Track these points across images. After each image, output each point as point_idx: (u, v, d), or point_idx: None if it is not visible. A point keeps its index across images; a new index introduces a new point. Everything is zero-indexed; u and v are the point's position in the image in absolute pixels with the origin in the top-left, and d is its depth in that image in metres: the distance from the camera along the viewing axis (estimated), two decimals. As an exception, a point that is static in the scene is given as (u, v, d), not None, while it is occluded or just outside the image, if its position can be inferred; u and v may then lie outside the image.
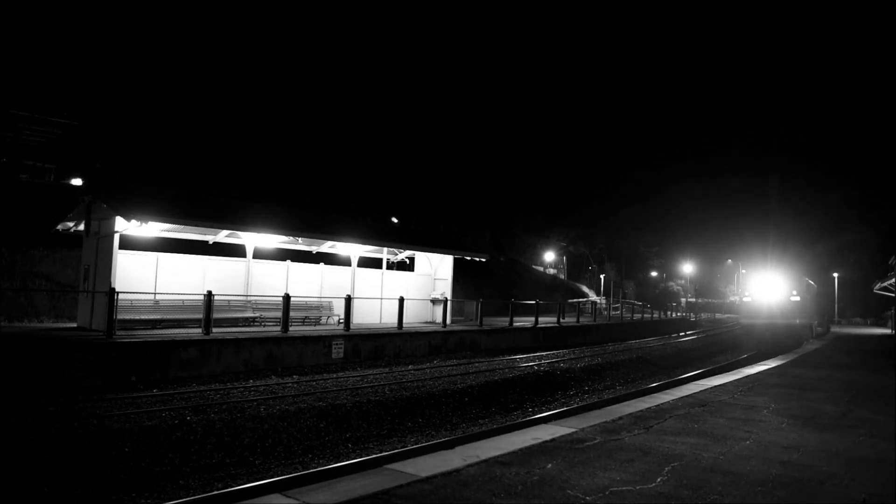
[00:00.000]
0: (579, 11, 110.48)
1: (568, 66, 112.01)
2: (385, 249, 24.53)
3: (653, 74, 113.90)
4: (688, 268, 79.78)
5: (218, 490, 7.55)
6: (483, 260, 30.09)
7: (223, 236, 20.37)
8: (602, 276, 70.06)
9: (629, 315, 43.53)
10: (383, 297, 23.31)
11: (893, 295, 34.84)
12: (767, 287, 30.97)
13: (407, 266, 27.74)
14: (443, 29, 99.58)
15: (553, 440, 6.03)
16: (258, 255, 20.71)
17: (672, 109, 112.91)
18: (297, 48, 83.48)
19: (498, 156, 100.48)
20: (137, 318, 16.59)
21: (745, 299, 32.78)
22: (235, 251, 21.06)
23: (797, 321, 29.54)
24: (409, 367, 17.99)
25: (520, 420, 11.98)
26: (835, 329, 44.30)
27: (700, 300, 74.26)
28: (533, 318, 29.02)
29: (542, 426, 7.06)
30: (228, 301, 18.62)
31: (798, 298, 29.46)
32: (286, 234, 20.63)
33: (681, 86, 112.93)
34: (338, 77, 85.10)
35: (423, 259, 26.72)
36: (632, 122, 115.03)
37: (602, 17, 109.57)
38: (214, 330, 15.92)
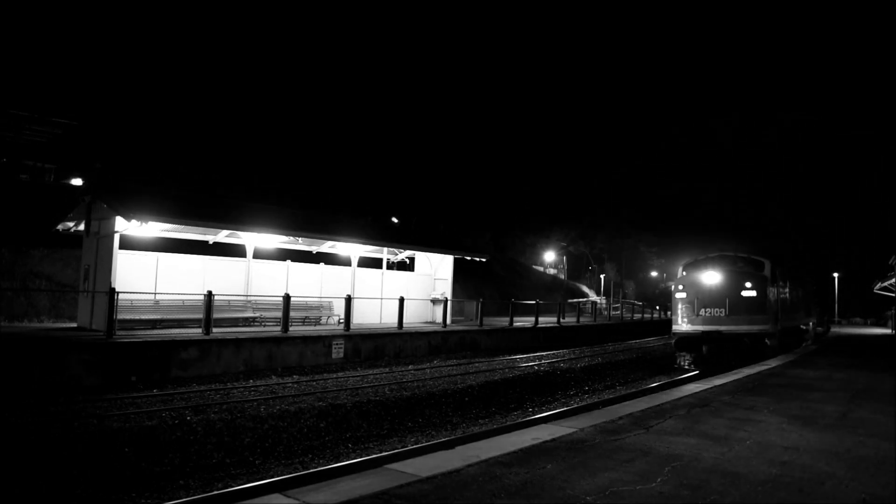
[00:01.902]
0: (580, 11, 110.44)
1: (568, 66, 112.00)
2: (385, 249, 24.55)
3: (652, 74, 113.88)
4: (688, 268, 79.57)
5: (218, 490, 7.55)
6: (483, 260, 30.10)
7: (223, 236, 20.37)
8: (602, 276, 70.06)
9: (629, 315, 43.56)
10: (383, 297, 23.32)
11: (893, 295, 34.81)
12: (709, 276, 17.37)
13: (407, 266, 27.75)
14: (443, 29, 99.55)
15: (553, 440, 6.03)
16: (258, 255, 20.71)
17: (672, 109, 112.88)
18: (298, 48, 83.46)
19: (498, 156, 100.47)
20: (137, 318, 16.60)
21: (678, 295, 18.00)
22: (235, 251, 21.07)
23: (755, 330, 16.78)
24: (410, 366, 17.99)
25: (520, 420, 11.97)
26: (835, 329, 44.31)
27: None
28: (533, 318, 29.03)
29: (543, 426, 7.06)
30: (228, 301, 18.63)
31: (754, 293, 16.75)
32: (286, 234, 20.65)
33: (681, 86, 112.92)
34: (338, 77, 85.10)
35: (423, 259, 26.72)
36: (632, 121, 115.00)
37: (603, 17, 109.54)
38: (214, 330, 15.92)
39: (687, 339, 17.45)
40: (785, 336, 19.34)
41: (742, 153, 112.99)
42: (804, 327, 25.00)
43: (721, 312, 16.84)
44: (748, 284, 16.76)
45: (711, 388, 10.31)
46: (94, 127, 42.90)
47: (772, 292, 17.27)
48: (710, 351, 17.00)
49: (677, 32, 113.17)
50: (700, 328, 17.11)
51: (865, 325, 59.96)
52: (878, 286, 37.24)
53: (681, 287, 17.94)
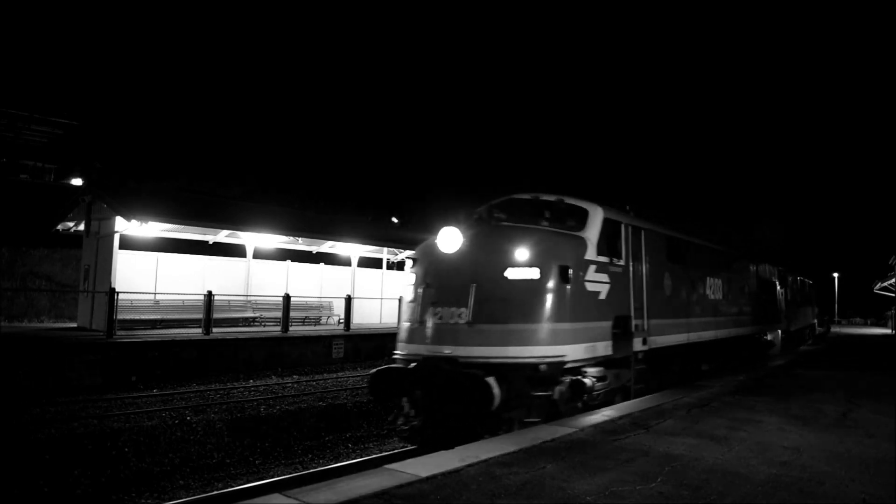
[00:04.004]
0: (579, 12, 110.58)
1: (567, 64, 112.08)
2: (385, 249, 24.55)
3: (651, 74, 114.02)
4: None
5: (218, 490, 7.55)
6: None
7: (223, 236, 20.38)
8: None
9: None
10: (383, 297, 23.32)
11: (893, 295, 34.85)
12: (447, 239, 7.82)
13: (407, 266, 27.73)
14: (441, 27, 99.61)
15: (553, 440, 6.03)
16: (258, 255, 20.72)
17: (671, 109, 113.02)
18: (297, 47, 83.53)
19: (497, 155, 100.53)
20: (137, 318, 16.61)
21: (408, 281, 8.33)
22: (235, 251, 21.07)
23: (531, 358, 7.29)
24: (409, 367, 17.99)
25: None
26: (835, 329, 44.33)
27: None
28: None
29: (543, 426, 7.05)
30: (228, 301, 18.64)
31: (535, 274, 7.47)
32: (286, 234, 20.65)
33: (679, 86, 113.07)
34: (337, 76, 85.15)
35: (423, 259, 26.70)
36: (630, 121, 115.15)
37: (603, 16, 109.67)
38: (214, 330, 15.93)
39: (390, 376, 7.88)
40: (692, 359, 11.62)
41: (742, 152, 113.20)
42: (769, 338, 17.73)
43: (459, 317, 7.61)
44: (521, 255, 7.67)
45: (711, 387, 10.26)
46: (94, 127, 42.92)
47: (598, 275, 8.35)
48: (426, 403, 7.50)
49: (677, 31, 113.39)
50: (422, 350, 7.78)
51: (865, 324, 60.01)
52: (878, 286, 37.29)
53: (411, 265, 8.69)
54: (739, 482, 4.74)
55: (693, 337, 11.47)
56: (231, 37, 75.07)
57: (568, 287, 7.72)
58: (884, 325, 50.98)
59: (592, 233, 8.48)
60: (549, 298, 7.59)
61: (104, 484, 7.72)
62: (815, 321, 30.74)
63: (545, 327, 7.49)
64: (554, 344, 7.47)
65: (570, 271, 7.77)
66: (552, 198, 9.16)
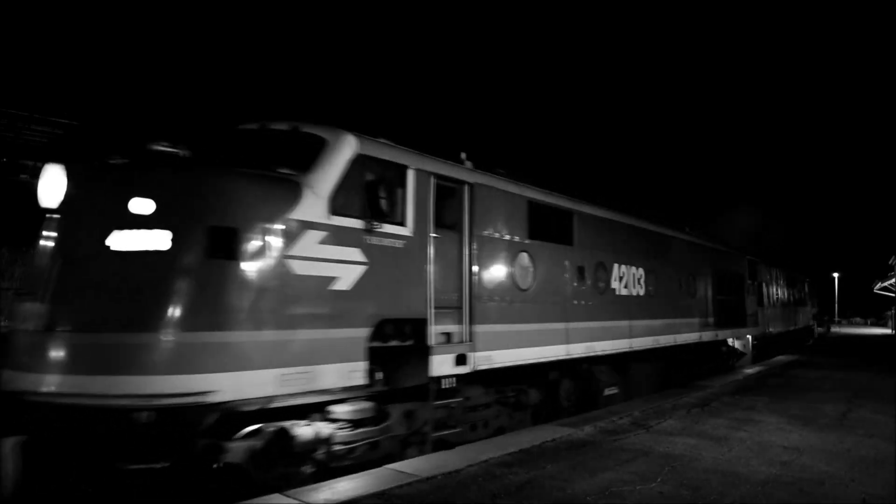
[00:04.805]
0: (578, 13, 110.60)
1: (565, 62, 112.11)
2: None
3: (651, 75, 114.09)
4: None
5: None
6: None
7: (223, 236, 20.35)
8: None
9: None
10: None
11: (893, 295, 34.85)
12: (51, 183, 4.60)
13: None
14: (438, 23, 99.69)
15: (553, 441, 6.04)
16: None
17: (672, 109, 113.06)
18: (295, 45, 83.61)
19: (497, 154, 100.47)
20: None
21: None
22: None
23: (116, 398, 4.21)
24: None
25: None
26: (835, 329, 44.36)
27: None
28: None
29: (543, 427, 7.06)
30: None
31: (180, 255, 4.39)
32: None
33: (678, 85, 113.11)
34: (336, 71, 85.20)
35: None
36: (628, 121, 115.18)
37: (604, 16, 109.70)
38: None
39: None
40: (583, 381, 8.61)
41: (741, 152, 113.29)
42: (736, 344, 15.36)
43: (38, 318, 4.44)
44: (141, 208, 4.54)
45: (711, 388, 10.26)
46: (93, 127, 42.91)
47: (331, 249, 5.11)
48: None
49: (676, 33, 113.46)
50: (4, 377, 4.47)
51: (865, 324, 60.06)
52: (878, 286, 37.31)
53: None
54: (739, 482, 4.74)
55: (578, 349, 8.02)
56: (230, 36, 75.12)
57: (233, 265, 4.54)
58: (884, 325, 50.99)
59: (324, 176, 5.22)
60: (187, 285, 4.43)
61: (104, 484, 7.72)
62: (814, 322, 29.69)
63: (168, 339, 4.31)
64: (188, 371, 4.31)
65: (242, 239, 4.60)
66: (285, 126, 5.89)
